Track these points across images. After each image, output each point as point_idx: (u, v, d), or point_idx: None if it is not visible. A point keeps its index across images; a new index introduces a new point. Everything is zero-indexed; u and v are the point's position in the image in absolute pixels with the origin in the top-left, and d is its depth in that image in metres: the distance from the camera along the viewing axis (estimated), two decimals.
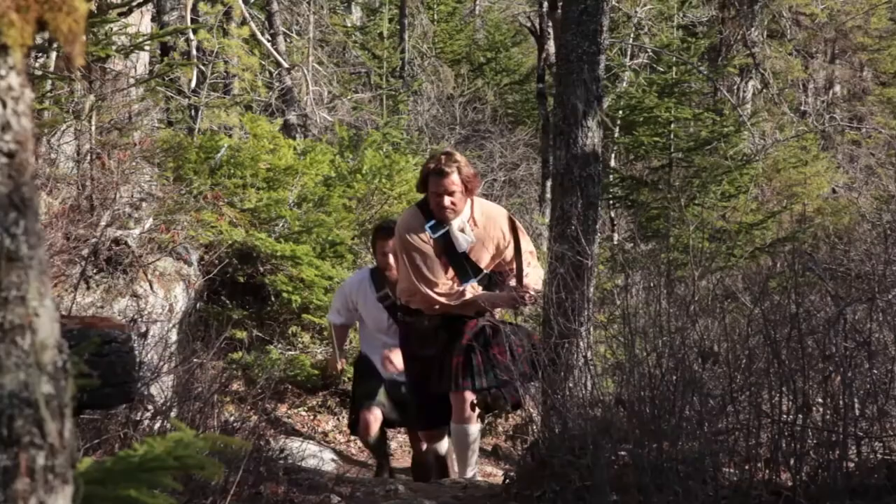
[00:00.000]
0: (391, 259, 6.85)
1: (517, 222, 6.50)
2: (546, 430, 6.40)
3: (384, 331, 7.21)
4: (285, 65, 14.62)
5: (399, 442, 8.63)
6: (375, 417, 7.24)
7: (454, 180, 6.01)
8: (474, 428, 6.54)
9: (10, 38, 1.96)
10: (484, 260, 6.40)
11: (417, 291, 6.27)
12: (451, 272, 6.31)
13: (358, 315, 7.43)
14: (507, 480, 5.98)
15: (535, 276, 6.49)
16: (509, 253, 6.41)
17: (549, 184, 14.18)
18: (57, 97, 7.39)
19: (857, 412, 4.73)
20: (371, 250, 7.72)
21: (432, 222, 6.17)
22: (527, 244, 6.51)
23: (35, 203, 2.07)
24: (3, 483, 2.01)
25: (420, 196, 6.54)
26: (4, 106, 2.00)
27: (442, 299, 6.21)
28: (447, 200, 6.04)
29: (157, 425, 5.00)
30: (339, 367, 7.86)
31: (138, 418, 4.90)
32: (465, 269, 6.32)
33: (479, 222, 6.32)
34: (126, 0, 7.28)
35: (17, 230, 1.99)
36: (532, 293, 6.37)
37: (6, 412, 2.00)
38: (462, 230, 6.29)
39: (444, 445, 6.96)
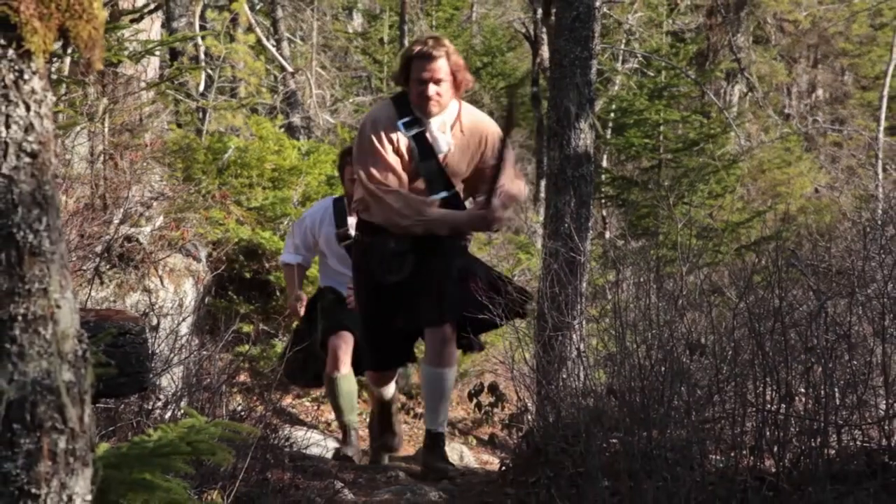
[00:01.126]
0: (432, 89, 5.20)
1: (510, 148, 5.46)
2: (540, 419, 6.43)
3: (349, 265, 5.90)
4: (289, 69, 14.66)
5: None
6: (346, 341, 6.19)
7: (441, 66, 4.96)
8: (452, 372, 5.53)
9: (33, 44, 2.00)
10: (459, 173, 5.31)
11: (376, 201, 5.11)
12: (420, 182, 5.20)
13: (318, 250, 6.45)
14: (504, 468, 6.00)
15: (515, 187, 5.43)
16: (486, 175, 5.26)
17: (543, 183, 14.26)
18: (71, 100, 7.42)
19: (838, 402, 4.76)
20: (339, 175, 6.65)
21: (407, 118, 5.10)
22: (511, 167, 5.43)
23: (56, 201, 2.11)
24: (26, 465, 2.05)
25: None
26: (28, 109, 2.03)
27: (402, 209, 5.04)
28: (432, 89, 4.96)
29: (167, 414, 5.04)
30: (300, 306, 6.49)
31: (150, 407, 4.94)
32: (438, 179, 5.22)
33: (466, 128, 5.24)
34: (137, 7, 7.31)
35: (39, 226, 2.03)
36: (500, 215, 5.27)
37: (29, 398, 2.04)
38: (443, 132, 5.19)
39: (390, 390, 6.13)
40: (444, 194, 5.17)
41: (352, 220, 5.47)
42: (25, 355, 2.00)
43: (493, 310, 4.99)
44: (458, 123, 5.21)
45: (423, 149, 5.09)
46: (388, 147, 5.07)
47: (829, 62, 17.84)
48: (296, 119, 14.46)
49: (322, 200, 6.91)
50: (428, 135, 5.11)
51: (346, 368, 6.16)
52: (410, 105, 5.12)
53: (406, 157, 5.10)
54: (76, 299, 2.18)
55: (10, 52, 1.97)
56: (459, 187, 5.35)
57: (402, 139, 5.08)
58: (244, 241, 9.00)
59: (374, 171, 4.97)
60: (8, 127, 1.98)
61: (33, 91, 2.02)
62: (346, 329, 6.13)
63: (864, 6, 17.45)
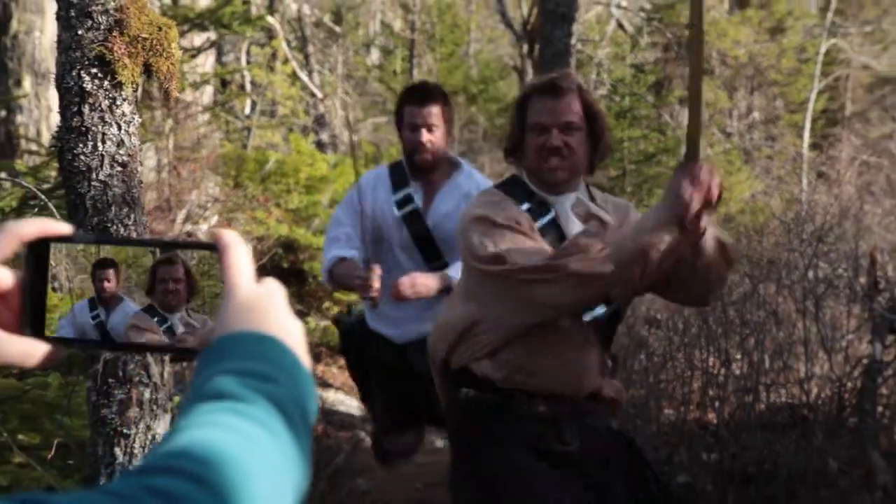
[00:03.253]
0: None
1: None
2: None
3: (410, 251, 3.55)
4: (319, 95, 14.67)
5: None
6: (407, 452, 4.00)
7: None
8: None
9: (123, 76, 2.07)
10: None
11: (534, 286, 2.44)
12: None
13: (374, 233, 3.57)
14: None
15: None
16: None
17: None
18: (143, 121, 7.50)
19: (767, 366, 4.82)
20: (396, 130, 3.68)
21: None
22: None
23: (141, 201, 2.18)
24: (119, 411, 2.12)
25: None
26: (119, 128, 2.10)
27: (587, 265, 2.35)
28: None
29: None
30: (373, 284, 3.34)
31: None
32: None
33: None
34: (195, 46, 7.36)
35: (128, 221, 2.10)
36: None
37: (121, 358, 2.11)
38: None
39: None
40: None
41: (413, 187, 3.49)
42: None
43: None
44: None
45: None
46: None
47: (763, 90, 17.85)
48: (324, 136, 14.47)
49: (375, 169, 3.96)
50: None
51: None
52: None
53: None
54: None
55: (106, 82, 2.03)
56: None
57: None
58: (282, 236, 9.05)
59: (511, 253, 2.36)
60: (104, 142, 2.04)
61: (124, 114, 2.08)
62: (410, 430, 3.93)
63: (791, 45, 17.52)
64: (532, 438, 2.39)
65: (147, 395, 2.13)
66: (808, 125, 16.66)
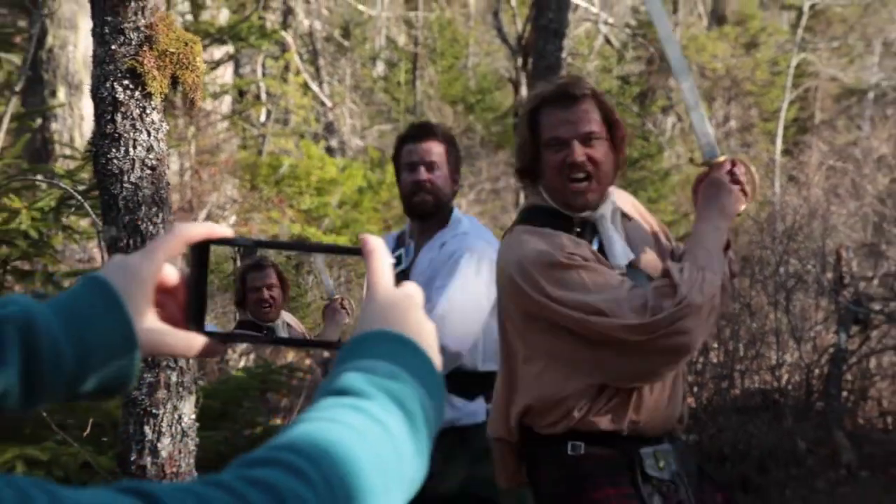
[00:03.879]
0: (424, 173, 2.71)
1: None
2: None
3: None
4: (328, 104, 14.68)
5: None
6: None
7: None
8: None
9: (153, 88, 2.09)
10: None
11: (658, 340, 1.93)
12: None
13: None
14: None
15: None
16: None
17: (521, 192, 14.29)
18: (168, 128, 7.51)
19: (741, 354, 4.84)
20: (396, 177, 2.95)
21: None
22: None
23: (169, 202, 2.20)
24: (148, 392, 2.14)
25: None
26: (149, 135, 2.12)
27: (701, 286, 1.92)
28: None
29: (241, 363, 5.12)
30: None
31: (227, 358, 5.01)
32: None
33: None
34: (215, 59, 7.37)
35: (157, 220, 2.12)
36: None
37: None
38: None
39: None
40: None
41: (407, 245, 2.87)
42: None
43: None
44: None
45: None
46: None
47: (739, 100, 17.84)
48: (333, 142, 14.46)
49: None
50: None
51: None
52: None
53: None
54: None
55: (137, 93, 2.05)
56: None
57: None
58: (295, 235, 9.07)
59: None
60: (135, 148, 2.06)
61: (153, 122, 2.10)
62: None
63: (765, 58, 17.55)
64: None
65: (174, 378, 2.15)
66: (780, 133, 16.69)
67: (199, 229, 0.84)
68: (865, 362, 4.84)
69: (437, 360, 0.76)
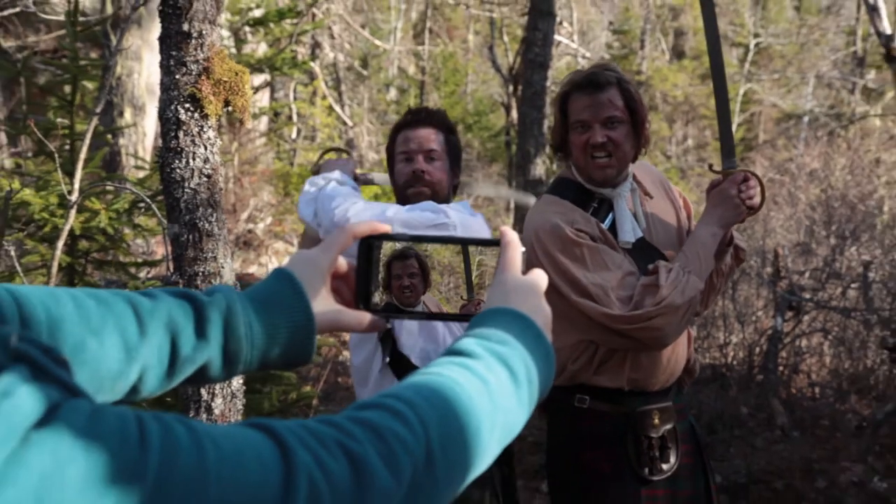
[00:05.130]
0: (422, 163, 2.07)
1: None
2: None
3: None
4: (349, 123, 14.70)
5: None
6: None
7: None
8: None
9: (209, 109, 2.12)
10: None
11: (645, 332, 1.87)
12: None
13: None
14: None
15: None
16: None
17: (512, 200, 14.29)
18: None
19: (695, 335, 4.86)
20: (388, 170, 2.26)
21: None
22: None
23: (221, 204, 2.23)
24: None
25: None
26: (205, 148, 2.16)
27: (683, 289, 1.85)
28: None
29: None
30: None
31: None
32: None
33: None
34: (254, 85, 7.40)
35: (212, 219, 2.15)
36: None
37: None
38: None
39: None
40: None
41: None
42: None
43: None
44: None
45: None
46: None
47: (695, 122, 17.86)
48: (354, 156, 14.49)
49: None
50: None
51: None
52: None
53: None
54: (232, 265, 2.28)
55: (196, 115, 2.09)
56: None
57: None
58: None
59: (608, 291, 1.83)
60: (194, 159, 2.09)
61: (209, 138, 2.13)
62: None
63: None
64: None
65: None
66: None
67: (363, 227, 0.85)
68: (797, 342, 4.87)
69: (548, 335, 0.75)
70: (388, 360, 2.02)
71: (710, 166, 1.99)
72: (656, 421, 1.87)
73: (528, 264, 1.68)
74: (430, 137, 2.10)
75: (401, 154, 2.12)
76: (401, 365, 2.00)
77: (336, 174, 2.11)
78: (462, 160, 2.20)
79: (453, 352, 0.69)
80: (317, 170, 2.29)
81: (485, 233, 2.00)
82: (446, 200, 2.09)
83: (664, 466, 1.86)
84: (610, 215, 1.92)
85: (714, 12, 1.93)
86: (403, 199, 2.09)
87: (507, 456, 2.04)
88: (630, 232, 1.89)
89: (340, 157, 2.17)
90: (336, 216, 1.91)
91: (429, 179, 2.06)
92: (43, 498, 0.41)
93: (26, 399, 0.43)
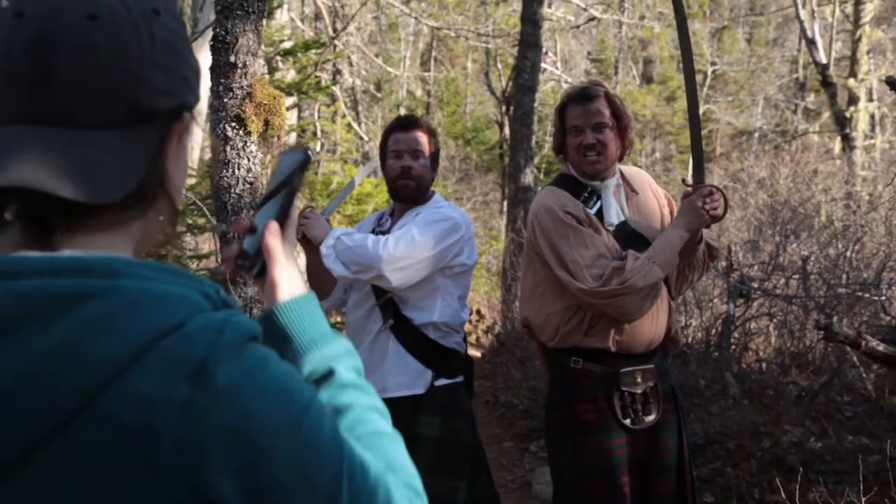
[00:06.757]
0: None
1: None
2: (504, 326, 6.54)
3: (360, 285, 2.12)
4: (365, 138, 14.70)
5: None
6: None
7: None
8: None
9: (252, 128, 2.16)
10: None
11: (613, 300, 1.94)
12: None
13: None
14: (483, 355, 6.06)
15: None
16: None
17: (506, 203, 14.31)
18: None
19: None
20: (381, 165, 2.22)
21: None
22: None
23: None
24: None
25: None
26: (248, 160, 2.20)
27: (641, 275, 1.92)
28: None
29: None
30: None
31: None
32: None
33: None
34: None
35: (254, 217, 2.18)
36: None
37: (248, 305, 2.19)
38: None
39: None
40: None
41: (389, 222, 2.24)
42: (247, 283, 2.15)
43: None
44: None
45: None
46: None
47: (662, 138, 17.86)
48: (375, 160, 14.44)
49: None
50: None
51: None
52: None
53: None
54: None
55: (241, 132, 2.12)
56: None
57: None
58: None
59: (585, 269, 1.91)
60: (239, 169, 2.13)
61: (252, 151, 2.16)
62: None
63: (680, 108, 17.63)
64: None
65: (249, 293, 2.17)
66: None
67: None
68: (747, 325, 4.89)
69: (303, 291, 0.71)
70: (392, 322, 2.06)
71: (683, 180, 2.07)
72: (639, 379, 1.94)
73: (532, 241, 1.97)
74: (418, 139, 2.18)
75: (392, 152, 2.18)
76: (406, 330, 2.06)
77: (334, 232, 2.02)
78: (440, 158, 2.29)
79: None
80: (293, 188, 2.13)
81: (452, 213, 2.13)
82: (427, 189, 2.20)
83: (647, 419, 1.94)
84: (598, 203, 2.02)
85: (691, 51, 2.01)
86: (394, 188, 2.19)
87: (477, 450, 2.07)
88: (615, 215, 2.01)
89: (311, 213, 2.05)
90: (381, 253, 1.96)
91: (414, 174, 2.16)
92: (257, 370, 0.56)
93: (247, 323, 0.58)
